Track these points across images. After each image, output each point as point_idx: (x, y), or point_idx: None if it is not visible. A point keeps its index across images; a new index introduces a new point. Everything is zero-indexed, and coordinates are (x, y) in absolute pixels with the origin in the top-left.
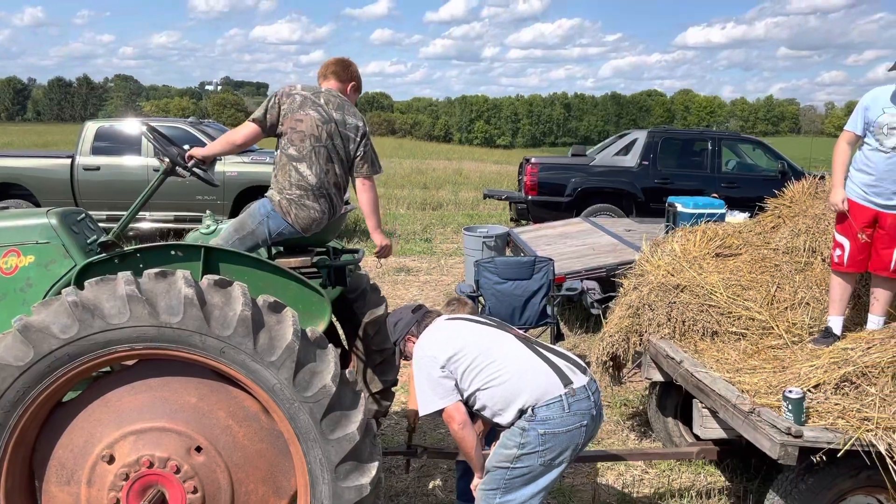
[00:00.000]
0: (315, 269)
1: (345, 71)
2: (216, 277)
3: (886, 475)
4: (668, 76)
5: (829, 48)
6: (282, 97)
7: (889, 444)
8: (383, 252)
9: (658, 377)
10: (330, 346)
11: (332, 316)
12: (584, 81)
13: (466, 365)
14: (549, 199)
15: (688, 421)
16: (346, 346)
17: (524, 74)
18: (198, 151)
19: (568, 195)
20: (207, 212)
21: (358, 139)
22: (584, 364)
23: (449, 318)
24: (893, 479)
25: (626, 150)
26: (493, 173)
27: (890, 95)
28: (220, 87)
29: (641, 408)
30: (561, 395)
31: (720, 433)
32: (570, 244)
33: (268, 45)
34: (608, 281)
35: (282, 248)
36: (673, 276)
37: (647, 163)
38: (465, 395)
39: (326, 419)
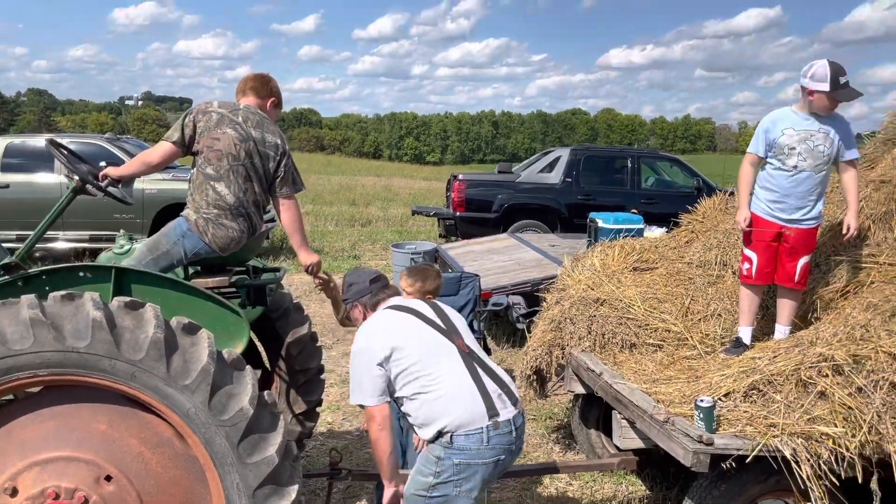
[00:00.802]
0: (234, 289)
1: (264, 87)
2: (127, 299)
3: (792, 479)
4: (591, 95)
5: (741, 70)
6: (197, 115)
7: (794, 449)
8: (312, 270)
9: (580, 389)
10: (248, 367)
11: (254, 336)
12: (511, 100)
13: (402, 368)
14: (477, 216)
15: (609, 432)
16: (269, 367)
17: (452, 92)
18: (113, 171)
19: (495, 211)
20: (121, 231)
21: (278, 158)
22: (517, 395)
23: (399, 308)
24: (799, 482)
25: (550, 167)
26: (423, 190)
27: (788, 117)
28: (140, 102)
29: (566, 420)
30: (482, 428)
31: (639, 443)
32: (497, 260)
33: (191, 59)
34: (533, 296)
35: (199, 268)
36: (593, 290)
37: (570, 179)
38: (395, 395)
39: (244, 443)
